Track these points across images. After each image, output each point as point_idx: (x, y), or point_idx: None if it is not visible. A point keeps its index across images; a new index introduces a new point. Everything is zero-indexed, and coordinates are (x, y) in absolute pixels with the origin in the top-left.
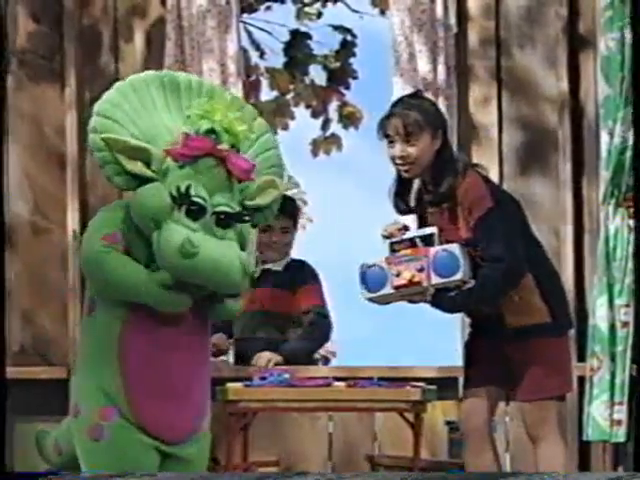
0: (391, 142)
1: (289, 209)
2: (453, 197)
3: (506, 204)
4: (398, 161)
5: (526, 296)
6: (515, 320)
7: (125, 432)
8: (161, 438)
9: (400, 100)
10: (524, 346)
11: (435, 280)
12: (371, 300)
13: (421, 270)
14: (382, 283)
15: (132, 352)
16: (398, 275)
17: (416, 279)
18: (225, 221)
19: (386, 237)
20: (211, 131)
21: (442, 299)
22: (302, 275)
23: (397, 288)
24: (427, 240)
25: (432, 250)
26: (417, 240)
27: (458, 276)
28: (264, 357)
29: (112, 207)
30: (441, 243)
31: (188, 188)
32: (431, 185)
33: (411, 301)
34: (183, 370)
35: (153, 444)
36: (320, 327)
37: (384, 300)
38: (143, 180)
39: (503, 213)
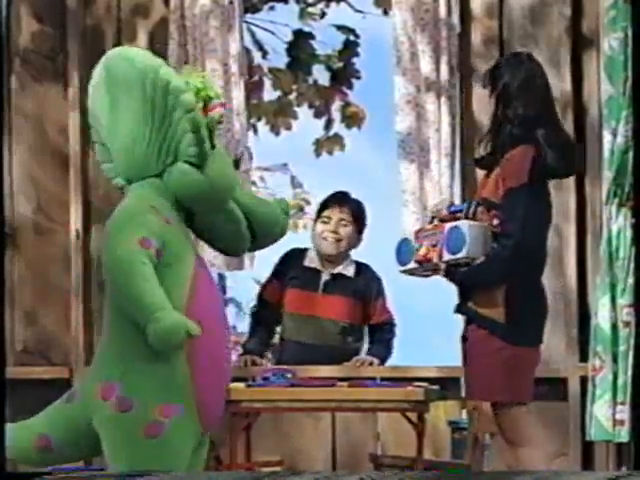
0: None
1: (350, 203)
2: (497, 160)
3: (541, 190)
4: None
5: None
6: (474, 305)
7: (184, 429)
8: (209, 427)
9: None
10: (477, 336)
11: (446, 257)
12: (403, 272)
13: (434, 246)
14: (410, 257)
15: (198, 343)
16: (418, 250)
17: (429, 255)
18: None
19: (433, 210)
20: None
21: (455, 274)
22: (376, 287)
23: (418, 262)
24: (461, 213)
25: (446, 226)
26: (445, 215)
27: (462, 253)
28: (365, 360)
29: (143, 208)
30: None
31: (242, 154)
32: (483, 146)
33: (430, 275)
34: (227, 355)
35: (200, 438)
36: (393, 338)
37: (412, 273)
38: None
39: (533, 195)
